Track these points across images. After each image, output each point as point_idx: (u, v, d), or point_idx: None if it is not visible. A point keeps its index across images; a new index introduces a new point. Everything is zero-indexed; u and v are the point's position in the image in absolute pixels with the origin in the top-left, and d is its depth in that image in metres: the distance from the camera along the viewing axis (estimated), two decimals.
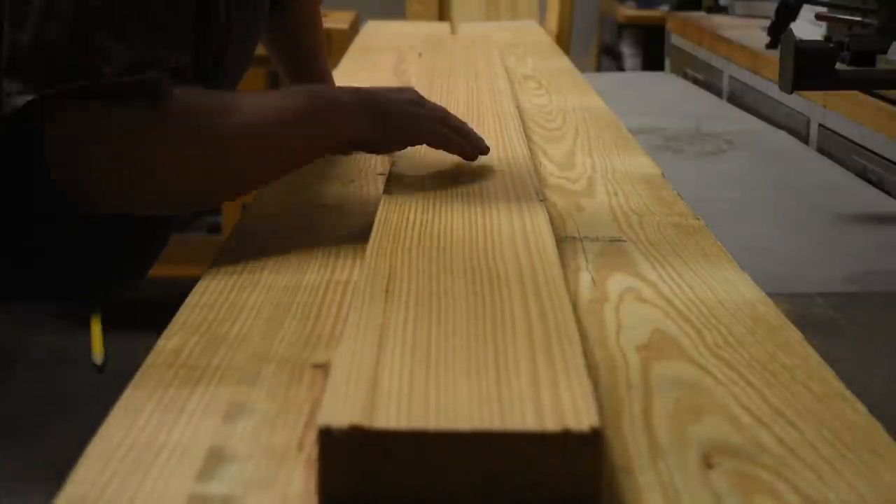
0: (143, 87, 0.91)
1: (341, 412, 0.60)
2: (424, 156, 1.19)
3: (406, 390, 0.63)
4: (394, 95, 1.12)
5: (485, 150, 1.16)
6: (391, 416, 0.60)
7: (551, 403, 0.61)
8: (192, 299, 0.90)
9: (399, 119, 1.10)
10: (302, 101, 1.05)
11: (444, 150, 1.15)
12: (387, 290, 0.79)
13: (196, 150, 0.96)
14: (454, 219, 0.98)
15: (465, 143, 1.15)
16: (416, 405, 0.61)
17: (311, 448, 0.65)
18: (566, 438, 0.58)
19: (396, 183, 1.11)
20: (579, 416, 0.60)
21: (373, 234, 0.93)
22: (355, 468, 0.58)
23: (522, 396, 0.62)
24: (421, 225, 0.96)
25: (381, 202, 1.04)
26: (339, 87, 1.13)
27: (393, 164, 1.20)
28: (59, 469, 0.63)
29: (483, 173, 1.15)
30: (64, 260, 1.11)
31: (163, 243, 1.28)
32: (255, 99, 1.02)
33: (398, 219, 0.98)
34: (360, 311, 0.75)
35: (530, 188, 1.08)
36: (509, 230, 0.94)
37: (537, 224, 0.96)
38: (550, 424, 0.59)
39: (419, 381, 0.64)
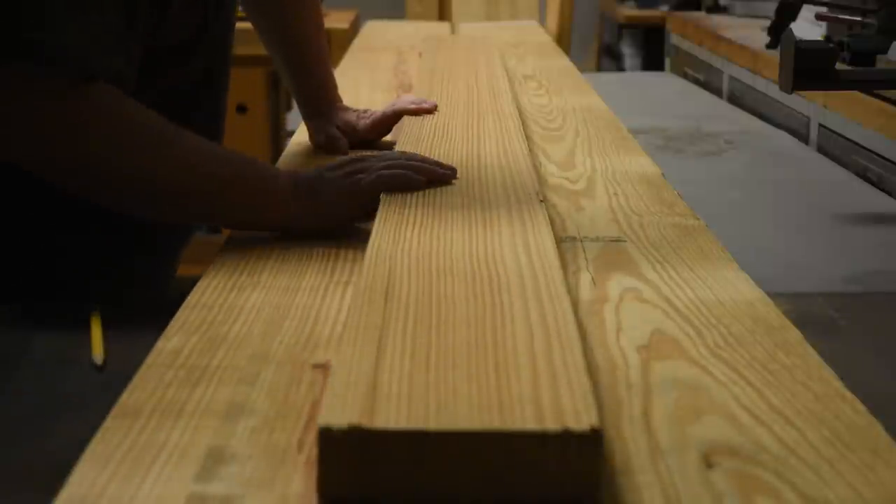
0: (67, 60, 0.94)
1: (341, 412, 0.60)
2: (425, 156, 1.19)
3: (406, 391, 0.63)
4: (330, 174, 1.07)
5: (446, 177, 1.09)
6: (391, 417, 0.60)
7: (551, 403, 0.61)
8: (192, 299, 0.90)
9: (335, 199, 1.06)
10: (239, 165, 1.04)
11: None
12: (386, 292, 0.79)
13: (100, 136, 0.97)
14: (454, 220, 0.98)
15: (420, 178, 1.07)
16: (415, 405, 0.61)
17: (311, 448, 0.65)
18: (566, 438, 0.58)
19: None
20: (579, 415, 0.60)
21: (372, 235, 0.93)
22: (355, 468, 0.58)
23: (522, 397, 0.62)
24: (420, 226, 0.95)
25: (381, 203, 1.03)
26: (280, 171, 1.10)
27: None
28: (59, 470, 0.63)
29: (483, 173, 1.15)
30: (87, 259, 1.12)
31: (180, 243, 1.28)
32: (196, 138, 1.02)
33: (398, 220, 0.97)
34: (359, 313, 0.75)
35: (530, 188, 1.08)
36: (509, 231, 0.94)
37: (537, 225, 0.96)
38: (550, 424, 0.59)
39: (419, 382, 0.64)
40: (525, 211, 1.00)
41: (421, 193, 1.06)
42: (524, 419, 0.59)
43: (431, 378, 0.65)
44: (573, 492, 0.58)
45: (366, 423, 0.59)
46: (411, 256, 0.87)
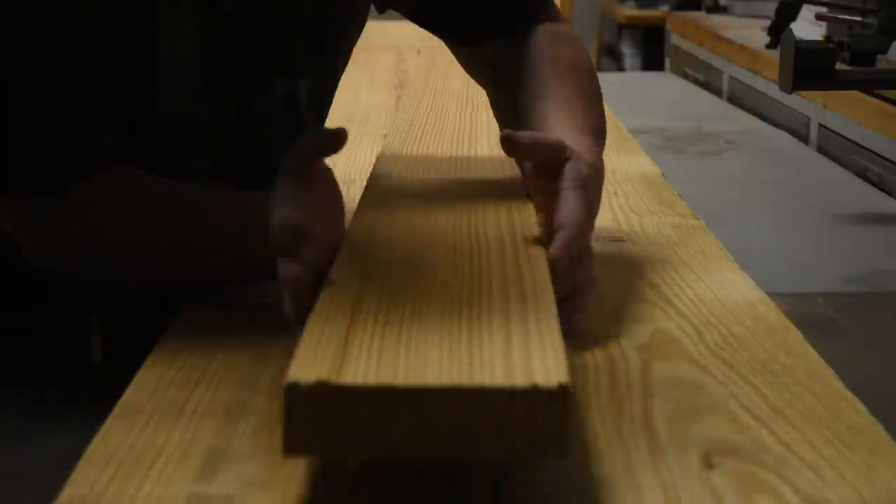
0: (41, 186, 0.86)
1: (310, 369, 0.58)
2: (421, 145, 1.18)
3: (377, 348, 0.61)
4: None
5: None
6: (359, 373, 0.58)
7: (521, 361, 0.60)
8: (192, 299, 0.90)
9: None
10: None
11: None
12: (366, 259, 0.77)
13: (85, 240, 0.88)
14: (441, 209, 0.96)
15: None
16: (385, 362, 0.59)
17: None
18: (534, 394, 0.57)
19: (384, 170, 1.08)
20: (548, 373, 0.58)
21: (359, 201, 0.91)
22: (322, 425, 0.57)
23: (493, 354, 0.60)
24: (404, 199, 0.93)
25: (366, 185, 1.00)
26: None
27: (383, 149, 1.17)
28: (59, 470, 0.63)
29: (477, 169, 1.14)
30: None
31: None
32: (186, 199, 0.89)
33: (384, 194, 0.95)
34: (337, 276, 0.74)
35: (524, 185, 1.07)
36: (495, 219, 0.92)
37: (526, 215, 0.94)
38: (519, 381, 0.58)
39: (390, 341, 0.62)
40: (514, 206, 0.98)
41: (412, 188, 1.03)
42: (493, 375, 0.58)
43: (403, 337, 0.63)
44: (541, 448, 0.57)
45: (333, 378, 0.57)
46: (394, 223, 0.86)
